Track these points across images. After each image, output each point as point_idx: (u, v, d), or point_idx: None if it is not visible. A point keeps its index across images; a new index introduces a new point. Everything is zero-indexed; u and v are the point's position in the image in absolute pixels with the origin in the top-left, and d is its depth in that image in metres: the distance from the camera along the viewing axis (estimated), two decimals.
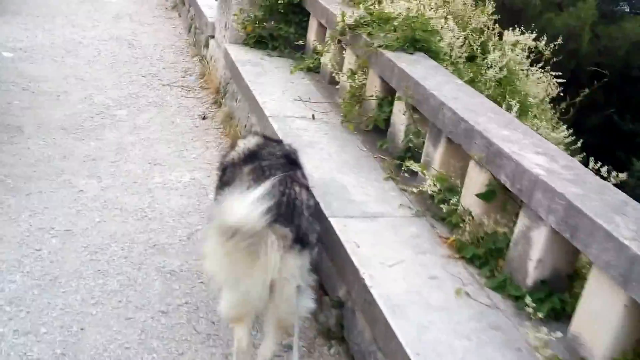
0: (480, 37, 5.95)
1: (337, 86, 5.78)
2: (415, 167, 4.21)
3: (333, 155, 4.80)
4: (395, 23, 5.34)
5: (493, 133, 3.74)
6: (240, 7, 6.77)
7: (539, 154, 3.52)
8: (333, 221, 3.91)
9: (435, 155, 4.27)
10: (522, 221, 3.38)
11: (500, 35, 6.21)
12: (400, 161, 4.62)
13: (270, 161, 3.53)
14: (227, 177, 3.65)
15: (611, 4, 16.66)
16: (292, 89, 5.96)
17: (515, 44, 6.07)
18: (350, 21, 5.29)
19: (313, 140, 4.98)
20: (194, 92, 7.24)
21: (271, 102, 5.57)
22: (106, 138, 5.98)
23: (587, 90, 4.96)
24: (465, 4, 6.47)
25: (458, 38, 5.58)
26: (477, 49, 5.78)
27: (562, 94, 5.91)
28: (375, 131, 5.16)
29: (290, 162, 3.68)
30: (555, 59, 5.97)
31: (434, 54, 5.13)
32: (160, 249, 4.47)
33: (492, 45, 5.91)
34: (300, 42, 6.81)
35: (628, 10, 16.89)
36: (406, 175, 4.46)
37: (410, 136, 4.62)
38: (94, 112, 6.46)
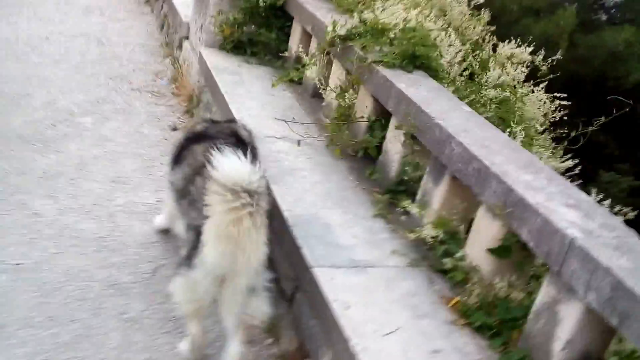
0: (478, 51, 5.33)
1: (323, 103, 5.12)
2: (412, 208, 3.58)
3: (317, 185, 4.16)
4: (392, 35, 4.71)
5: (513, 177, 3.13)
6: (219, 9, 6.09)
7: (571, 207, 2.91)
8: (318, 272, 3.29)
9: (436, 193, 3.67)
10: (547, 290, 2.78)
11: (495, 47, 5.61)
12: (392, 195, 4.02)
13: (220, 140, 3.42)
14: (178, 158, 3.61)
15: (590, 13, 16.21)
16: (273, 102, 5.31)
17: (510, 57, 5.48)
18: (342, 31, 4.62)
19: (295, 167, 4.35)
20: (165, 98, 6.55)
21: (249, 119, 4.91)
22: (68, 150, 5.28)
23: (602, 118, 4.33)
24: (462, 13, 5.85)
25: (458, 52, 4.95)
26: (476, 65, 5.15)
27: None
28: (364, 157, 4.53)
29: (240, 140, 3.61)
30: (552, 75, 5.35)
31: (434, 72, 4.53)
32: (120, 289, 3.82)
33: (492, 61, 5.30)
34: (282, 49, 6.13)
35: (605, 19, 16.48)
36: (399, 212, 3.83)
37: (407, 168, 3.97)
38: (57, 119, 5.74)
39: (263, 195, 2.76)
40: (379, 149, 4.39)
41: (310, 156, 4.54)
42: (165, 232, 4.35)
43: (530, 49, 5.43)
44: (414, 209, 3.56)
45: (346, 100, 4.54)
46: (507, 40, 5.65)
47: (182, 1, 7.72)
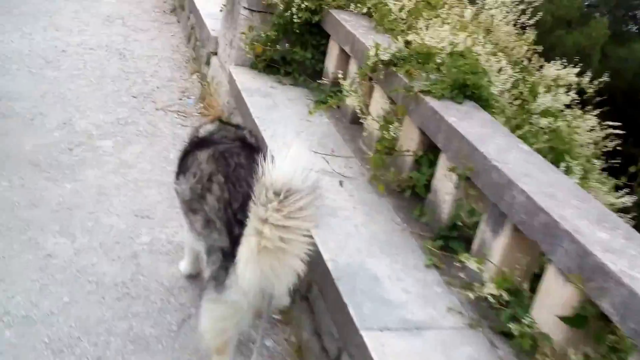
0: (526, 74, 5.07)
1: (364, 133, 4.88)
2: (470, 262, 3.32)
3: (361, 227, 3.92)
4: (439, 60, 4.46)
5: (586, 235, 2.87)
6: (250, 25, 5.88)
7: None
8: (367, 338, 3.06)
9: (496, 245, 3.41)
10: None
11: (540, 67, 5.41)
12: (445, 241, 3.77)
13: (226, 145, 3.35)
14: (183, 165, 3.49)
15: (621, 24, 15.87)
16: (309, 129, 5.08)
17: (555, 79, 5.21)
18: (385, 57, 4.38)
19: (336, 205, 4.11)
20: (192, 119, 6.34)
21: (282, 149, 4.66)
22: (86, 178, 5.09)
23: None
24: (508, 33, 5.59)
25: (509, 78, 4.69)
26: (526, 91, 4.89)
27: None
28: (412, 194, 4.27)
29: (247, 145, 3.48)
30: (599, 98, 5.05)
31: (485, 102, 4.26)
32: (143, 345, 3.61)
33: (541, 85, 5.03)
34: (318, 69, 5.91)
35: (636, 30, 16.13)
36: (452, 260, 3.63)
37: (460, 213, 3.72)
38: (74, 142, 5.55)
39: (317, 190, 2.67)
40: (427, 186, 4.12)
41: (352, 193, 4.30)
42: (195, 277, 4.12)
43: (576, 69, 5.15)
44: (472, 263, 3.30)
45: (391, 132, 4.29)
46: (552, 61, 5.40)
47: (209, 12, 7.52)
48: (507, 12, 5.56)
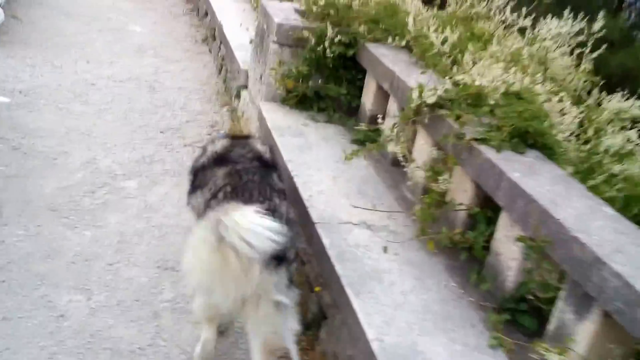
0: (591, 113, 4.27)
1: (408, 182, 4.09)
2: (551, 355, 2.50)
3: (410, 295, 3.13)
4: (492, 101, 3.66)
5: None
6: (279, 59, 5.12)
7: None
8: None
9: (580, 331, 2.61)
10: None
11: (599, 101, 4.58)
12: (511, 314, 2.98)
13: (243, 164, 3.27)
14: (199, 180, 3.37)
15: None
16: (345, 173, 4.31)
17: (618, 113, 4.38)
18: (430, 99, 3.59)
19: (379, 267, 3.32)
20: None
21: (318, 197, 3.92)
22: (107, 224, 4.36)
23: None
24: (565, 67, 4.78)
25: (574, 120, 3.89)
26: (592, 131, 4.08)
27: None
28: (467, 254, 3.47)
29: (264, 164, 3.39)
30: None
31: (550, 151, 3.45)
32: None
33: (606, 123, 4.22)
34: (354, 105, 5.15)
35: None
36: (522, 340, 2.88)
37: (530, 284, 2.92)
38: (96, 183, 4.82)
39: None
40: (485, 246, 3.31)
41: (398, 250, 3.51)
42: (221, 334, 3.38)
43: None
44: (553, 356, 2.48)
45: (440, 185, 3.49)
46: (613, 94, 4.59)
47: (240, 43, 6.78)
48: (563, 44, 4.73)
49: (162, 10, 9.94)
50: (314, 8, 5.22)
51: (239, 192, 3.01)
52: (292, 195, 4.03)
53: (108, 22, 8.74)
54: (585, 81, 4.90)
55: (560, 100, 4.09)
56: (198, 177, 3.42)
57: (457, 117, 3.60)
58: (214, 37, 8.15)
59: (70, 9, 8.87)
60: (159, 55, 7.90)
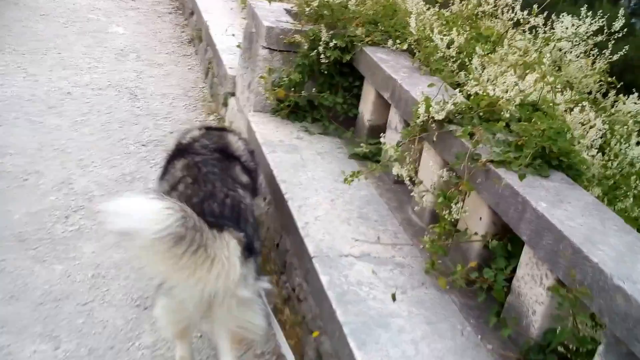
0: (601, 111, 3.94)
1: (415, 207, 3.71)
2: None
3: (421, 344, 2.78)
4: (507, 114, 3.27)
5: None
6: (269, 66, 4.72)
7: None
8: None
9: None
10: None
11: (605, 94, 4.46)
12: None
13: (204, 156, 3.20)
14: (164, 171, 3.29)
15: None
16: (345, 194, 3.94)
17: (634, 115, 4.26)
18: (439, 115, 3.21)
19: (386, 311, 2.96)
20: None
21: (315, 225, 3.54)
22: (81, 255, 3.99)
23: None
24: (581, 69, 4.41)
25: (598, 132, 3.51)
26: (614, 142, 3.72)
27: None
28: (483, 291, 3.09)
29: (227, 155, 3.31)
30: None
31: (576, 172, 3.08)
32: None
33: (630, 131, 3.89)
34: (351, 115, 4.78)
35: None
36: None
37: (562, 333, 2.54)
38: (71, 206, 4.45)
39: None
40: (506, 284, 2.94)
41: (405, 288, 3.14)
42: None
43: None
44: None
45: (452, 213, 3.11)
46: (629, 95, 4.39)
47: (227, 46, 6.38)
48: (578, 43, 4.36)
49: (145, 9, 9.52)
50: (307, 9, 4.82)
51: (200, 184, 2.94)
52: (287, 222, 3.66)
53: (88, 24, 8.32)
54: (600, 82, 4.54)
55: (582, 110, 3.70)
56: (164, 167, 3.35)
57: (470, 135, 3.21)
58: (200, 38, 7.74)
59: (48, 10, 8.45)
60: (142, 59, 7.48)
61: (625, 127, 4.02)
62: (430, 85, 3.54)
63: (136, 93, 6.50)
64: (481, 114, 3.43)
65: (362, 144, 4.38)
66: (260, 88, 4.76)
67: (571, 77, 4.41)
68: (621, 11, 4.43)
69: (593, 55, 4.62)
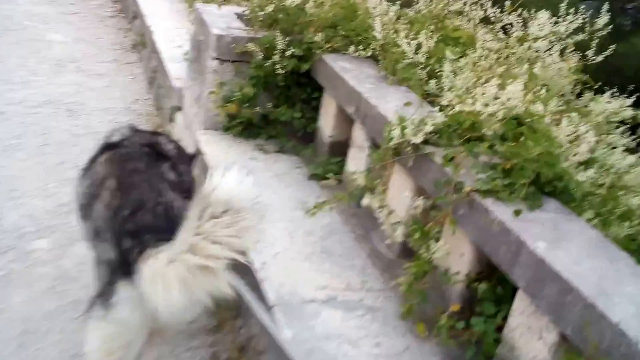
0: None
1: (387, 241, 3.31)
2: None
3: None
4: (489, 132, 2.89)
5: None
6: (220, 80, 4.27)
7: None
8: None
9: None
10: None
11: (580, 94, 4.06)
12: None
13: (131, 150, 2.91)
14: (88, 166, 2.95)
15: (620, 17, 14.52)
16: (305, 223, 3.53)
17: (607, 116, 3.85)
18: (417, 138, 2.81)
19: None
20: None
21: (274, 264, 3.14)
22: (9, 307, 3.53)
23: None
24: (560, 70, 4.06)
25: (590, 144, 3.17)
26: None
27: None
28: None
29: (157, 153, 2.94)
30: None
31: (571, 197, 2.72)
32: None
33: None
34: (310, 130, 4.38)
35: (631, 23, 14.74)
36: None
37: None
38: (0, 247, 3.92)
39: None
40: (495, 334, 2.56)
41: (378, 336, 2.78)
42: None
43: (632, 99, 3.82)
44: None
45: (431, 250, 2.71)
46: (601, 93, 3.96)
47: (173, 55, 5.91)
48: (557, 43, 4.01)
49: (86, 13, 8.96)
50: (261, 13, 4.38)
51: (127, 190, 2.65)
52: (241, 264, 3.20)
53: (23, 32, 7.75)
54: (576, 82, 4.20)
55: (571, 123, 3.34)
56: (88, 164, 3.00)
57: (450, 158, 2.82)
58: (144, 44, 7.24)
59: None
60: (82, 70, 6.95)
61: (608, 134, 3.71)
62: (407, 104, 3.13)
63: (75, 109, 5.98)
64: (463, 135, 3.04)
65: (322, 165, 3.97)
66: (210, 103, 4.33)
67: (547, 80, 4.05)
68: (605, 6, 4.06)
69: (573, 55, 4.26)
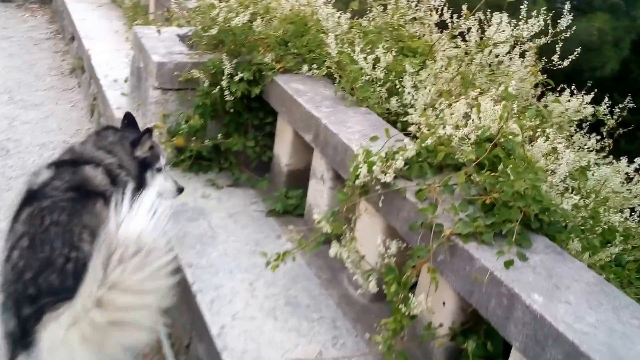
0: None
1: (359, 290, 3.00)
2: None
3: None
4: (462, 157, 2.61)
5: None
6: (164, 112, 3.93)
7: None
8: None
9: None
10: None
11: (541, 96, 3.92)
12: None
13: (53, 199, 2.57)
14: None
15: (558, 2, 14.60)
16: (266, 272, 3.15)
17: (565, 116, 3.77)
18: (387, 177, 2.52)
19: None
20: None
21: (234, 327, 2.84)
22: None
23: None
24: (522, 79, 3.87)
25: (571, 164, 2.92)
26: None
27: None
28: None
29: (87, 193, 2.67)
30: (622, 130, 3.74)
31: (554, 227, 2.46)
32: None
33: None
34: (265, 159, 4.08)
35: (571, 8, 14.83)
36: None
37: None
38: None
39: None
40: None
41: None
42: None
43: (590, 96, 3.75)
44: None
45: (410, 307, 2.40)
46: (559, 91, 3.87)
47: (113, 80, 5.54)
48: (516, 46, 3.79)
49: (19, 36, 8.50)
50: (205, 35, 4.06)
51: (36, 249, 2.39)
52: (197, 323, 2.89)
53: None
54: (537, 85, 3.99)
55: (547, 139, 3.07)
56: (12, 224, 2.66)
57: (424, 197, 2.53)
58: (82, 68, 6.82)
59: None
60: (15, 100, 6.51)
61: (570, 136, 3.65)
62: (374, 138, 2.82)
63: (8, 147, 5.55)
64: (430, 159, 2.76)
65: (280, 199, 3.66)
66: (154, 137, 3.95)
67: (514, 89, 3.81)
68: (567, 6, 3.83)
69: (535, 60, 4.03)
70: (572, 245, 2.61)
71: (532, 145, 3.07)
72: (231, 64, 3.90)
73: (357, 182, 2.67)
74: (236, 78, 3.87)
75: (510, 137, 2.83)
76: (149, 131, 3.14)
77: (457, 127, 2.88)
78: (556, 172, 2.90)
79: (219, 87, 3.87)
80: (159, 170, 3.17)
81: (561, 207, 2.59)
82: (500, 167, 2.58)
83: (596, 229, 2.88)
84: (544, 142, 3.03)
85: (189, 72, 3.91)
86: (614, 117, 3.77)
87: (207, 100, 3.91)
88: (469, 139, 2.83)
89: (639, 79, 11.44)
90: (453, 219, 2.42)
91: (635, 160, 3.27)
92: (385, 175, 2.55)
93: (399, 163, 2.56)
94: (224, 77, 3.85)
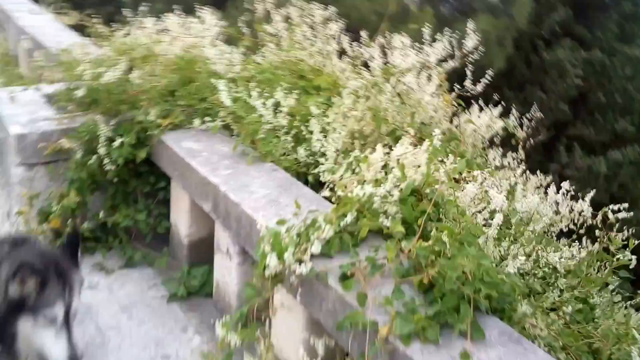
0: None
1: None
2: None
3: None
4: (387, 222, 2.21)
5: None
6: (31, 192, 3.34)
7: None
8: None
9: None
10: None
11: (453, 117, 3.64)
12: None
13: None
14: None
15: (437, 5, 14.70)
16: None
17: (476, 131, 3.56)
18: (303, 268, 2.06)
19: None
20: None
21: None
22: None
23: None
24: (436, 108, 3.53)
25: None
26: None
27: None
28: None
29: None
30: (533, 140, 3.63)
31: (503, 304, 2.05)
32: None
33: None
34: (160, 230, 3.56)
35: (452, 9, 14.94)
36: None
37: None
38: None
39: None
40: None
41: None
42: None
43: (498, 109, 3.59)
44: None
45: None
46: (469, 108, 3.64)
47: None
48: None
49: None
50: (75, 94, 3.52)
51: None
52: None
53: None
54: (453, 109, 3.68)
55: (480, 186, 2.70)
56: None
57: (350, 288, 2.08)
58: None
59: None
60: None
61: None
62: (280, 222, 2.34)
63: None
64: (356, 232, 2.32)
65: (183, 279, 3.16)
66: (22, 224, 3.38)
67: (426, 119, 3.49)
68: (470, 25, 3.55)
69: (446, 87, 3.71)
70: (520, 310, 2.22)
71: (461, 190, 2.69)
72: (108, 126, 3.39)
73: (267, 272, 2.19)
74: (116, 143, 3.34)
75: (436, 186, 2.44)
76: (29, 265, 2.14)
77: (376, 183, 2.47)
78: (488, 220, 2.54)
79: (96, 155, 3.32)
80: (52, 321, 2.16)
81: (507, 275, 2.19)
82: (434, 231, 2.17)
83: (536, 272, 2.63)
84: (473, 187, 2.65)
85: (56, 142, 3.34)
86: (524, 128, 3.60)
87: (82, 174, 3.36)
88: (392, 196, 2.42)
89: (525, 73, 11.93)
90: (389, 312, 1.97)
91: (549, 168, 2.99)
92: (300, 264, 2.07)
93: (315, 248, 2.10)
94: (100, 144, 3.30)
